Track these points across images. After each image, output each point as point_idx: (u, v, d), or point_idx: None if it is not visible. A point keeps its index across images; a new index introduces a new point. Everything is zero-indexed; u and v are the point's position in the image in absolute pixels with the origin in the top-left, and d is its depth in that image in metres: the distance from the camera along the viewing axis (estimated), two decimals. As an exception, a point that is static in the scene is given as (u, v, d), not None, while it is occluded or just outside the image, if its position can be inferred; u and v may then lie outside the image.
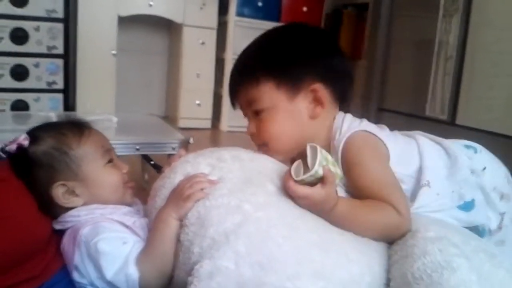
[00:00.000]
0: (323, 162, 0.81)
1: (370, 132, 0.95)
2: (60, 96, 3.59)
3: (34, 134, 0.98)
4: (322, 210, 0.83)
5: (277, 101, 0.94)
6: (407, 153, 0.98)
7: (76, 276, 0.90)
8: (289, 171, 0.84)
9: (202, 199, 0.84)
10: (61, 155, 0.96)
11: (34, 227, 0.92)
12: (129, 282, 0.84)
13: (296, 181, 0.82)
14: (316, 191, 0.81)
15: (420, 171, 0.97)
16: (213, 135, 3.96)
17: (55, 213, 0.97)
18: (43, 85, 3.52)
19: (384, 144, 0.95)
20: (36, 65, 3.46)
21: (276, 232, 0.75)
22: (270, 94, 0.94)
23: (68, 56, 3.57)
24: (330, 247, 0.79)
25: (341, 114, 1.00)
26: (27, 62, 3.43)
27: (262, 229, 0.76)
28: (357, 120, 0.99)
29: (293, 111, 0.95)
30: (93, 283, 0.88)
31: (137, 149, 1.65)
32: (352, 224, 0.84)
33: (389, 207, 0.85)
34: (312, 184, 0.82)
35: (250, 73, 0.96)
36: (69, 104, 3.65)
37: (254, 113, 0.98)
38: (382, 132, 0.98)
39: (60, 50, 3.49)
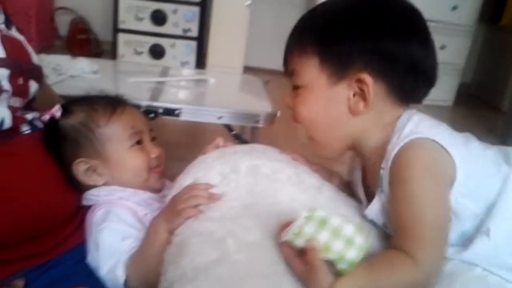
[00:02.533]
0: (304, 235, 0.63)
1: (438, 143, 0.71)
2: (194, 44, 3.69)
3: (68, 106, 0.96)
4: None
5: (316, 80, 0.77)
6: (482, 182, 0.74)
7: (88, 256, 0.89)
8: (286, 224, 0.67)
9: (193, 217, 0.74)
10: (87, 131, 0.93)
11: (56, 202, 0.92)
12: (116, 284, 0.81)
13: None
14: (296, 263, 0.65)
15: (490, 209, 0.73)
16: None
17: (81, 188, 0.96)
18: (179, 32, 3.64)
19: (450, 161, 0.71)
20: (174, 11, 3.57)
21: (250, 285, 0.61)
22: (311, 71, 0.77)
23: (205, 4, 3.62)
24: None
25: (408, 112, 0.77)
26: (166, 7, 3.55)
27: (235, 277, 0.62)
28: (429, 122, 0.76)
29: (330, 99, 0.77)
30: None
31: (219, 118, 1.58)
32: None
33: (407, 260, 0.65)
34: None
35: (299, 40, 0.80)
36: (202, 52, 3.75)
37: (294, 86, 0.81)
38: (458, 145, 0.73)
39: (197, -3, 3.55)
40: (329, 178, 0.90)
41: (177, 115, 1.55)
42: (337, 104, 0.76)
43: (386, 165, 0.72)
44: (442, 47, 3.57)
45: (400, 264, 0.66)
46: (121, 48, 3.61)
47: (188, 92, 1.86)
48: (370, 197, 0.80)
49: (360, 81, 0.74)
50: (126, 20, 3.55)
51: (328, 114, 0.77)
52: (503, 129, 3.00)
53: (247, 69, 3.74)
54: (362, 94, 0.74)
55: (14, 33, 0.94)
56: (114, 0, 3.51)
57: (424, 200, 0.68)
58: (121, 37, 3.59)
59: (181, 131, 2.42)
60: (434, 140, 0.71)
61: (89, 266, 0.87)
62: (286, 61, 0.82)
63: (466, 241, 0.74)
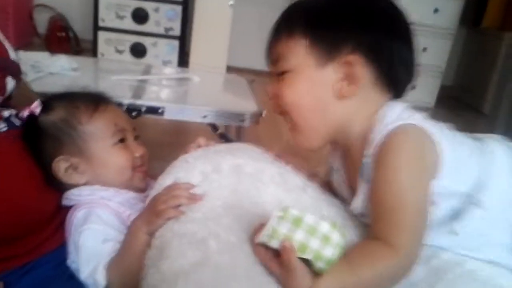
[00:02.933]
0: (278, 235, 0.60)
1: (421, 128, 0.72)
2: (176, 43, 3.64)
3: (48, 102, 0.92)
4: None
5: (303, 63, 0.75)
6: (466, 163, 0.75)
7: (68, 259, 0.85)
8: (260, 225, 0.64)
9: (174, 219, 0.72)
10: (68, 128, 0.89)
11: (34, 202, 0.88)
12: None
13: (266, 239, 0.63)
14: (273, 265, 0.62)
15: (478, 187, 0.73)
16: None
17: (61, 188, 0.92)
18: (161, 30, 3.58)
19: (435, 148, 0.71)
20: (156, 10, 3.52)
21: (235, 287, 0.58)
22: (298, 53, 0.75)
23: (187, 3, 3.58)
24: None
25: (390, 102, 0.77)
26: (147, 5, 3.50)
27: (218, 279, 0.59)
28: (410, 111, 0.76)
29: (317, 81, 0.75)
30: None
31: (204, 117, 1.55)
32: None
33: (386, 248, 0.65)
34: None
35: (288, 23, 0.78)
36: (184, 51, 3.70)
37: (278, 74, 0.79)
38: (439, 131, 0.74)
39: (179, -5, 3.51)
40: (311, 178, 0.89)
41: (161, 114, 1.51)
42: (325, 87, 0.75)
43: (369, 152, 0.72)
44: (424, 49, 3.59)
45: (380, 253, 0.65)
46: (101, 47, 3.54)
47: (172, 91, 1.83)
48: (354, 194, 0.79)
49: (349, 63, 0.73)
50: (107, 18, 3.49)
51: (314, 97, 0.76)
52: (485, 131, 3.02)
53: (230, 69, 3.71)
54: (350, 78, 0.74)
55: (-11, 28, 0.89)
56: (94, -3, 3.45)
57: (406, 187, 0.68)
58: (101, 35, 3.52)
59: (164, 130, 2.38)
60: (420, 127, 0.71)
61: (70, 268, 0.84)
62: (271, 47, 0.80)
63: (456, 214, 0.74)
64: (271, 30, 0.81)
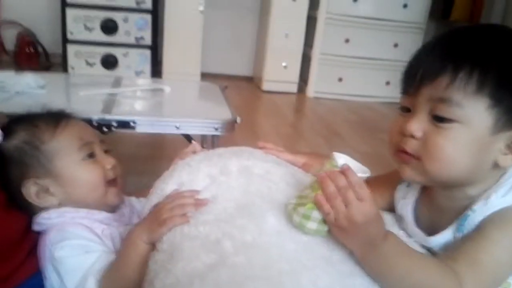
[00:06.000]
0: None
1: None
2: (148, 52, 3.60)
3: (7, 127, 0.89)
4: (367, 242, 0.62)
5: (480, 122, 0.66)
6: None
7: (47, 282, 0.82)
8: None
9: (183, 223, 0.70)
10: (32, 149, 0.86)
11: None
12: None
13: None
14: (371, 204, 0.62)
15: None
16: (299, 101, 3.72)
17: (32, 212, 0.89)
18: (132, 40, 3.54)
19: None
20: (125, 20, 3.48)
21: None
22: (477, 109, 0.65)
23: (157, 11, 3.54)
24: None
25: None
26: (116, 16, 3.45)
27: (234, 280, 0.57)
28: None
29: (485, 145, 0.67)
30: None
31: (177, 128, 1.52)
32: (388, 274, 0.63)
33: (456, 280, 0.62)
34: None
35: (471, 68, 0.65)
36: (157, 60, 3.67)
37: (433, 116, 0.68)
38: None
39: (148, 5, 3.47)
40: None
41: (133, 128, 1.47)
42: (489, 154, 0.68)
43: (481, 210, 0.68)
44: (395, 45, 3.62)
45: (448, 279, 0.63)
46: (72, 60, 3.48)
47: (143, 103, 1.79)
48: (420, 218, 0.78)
49: None
50: (75, 30, 3.43)
51: (473, 161, 0.68)
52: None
53: (205, 76, 3.69)
54: None
55: None
56: (61, 10, 3.38)
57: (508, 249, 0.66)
58: (71, 48, 3.46)
59: (139, 143, 2.35)
60: None
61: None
62: (429, 74, 0.68)
63: None
64: (434, 57, 0.69)
